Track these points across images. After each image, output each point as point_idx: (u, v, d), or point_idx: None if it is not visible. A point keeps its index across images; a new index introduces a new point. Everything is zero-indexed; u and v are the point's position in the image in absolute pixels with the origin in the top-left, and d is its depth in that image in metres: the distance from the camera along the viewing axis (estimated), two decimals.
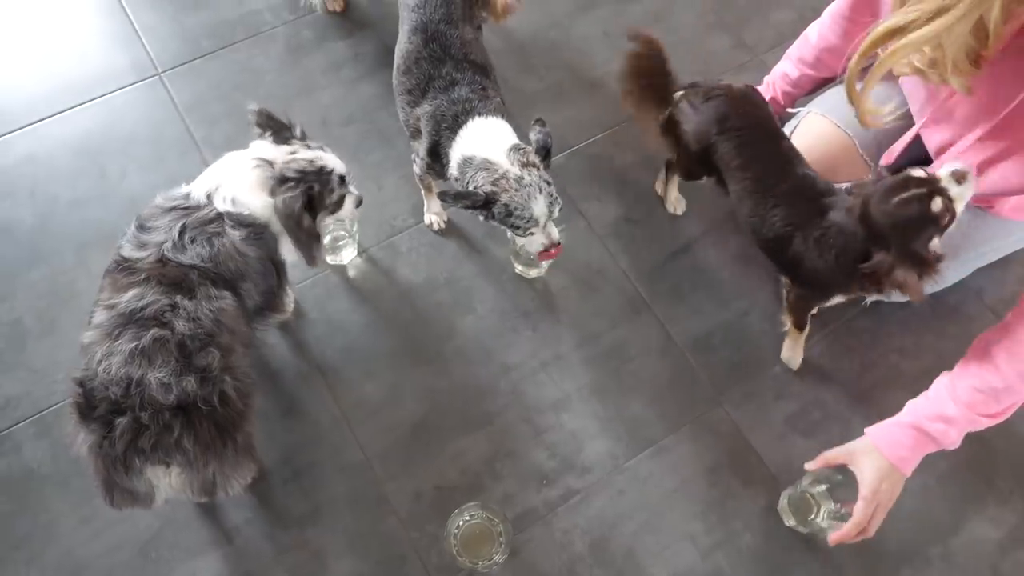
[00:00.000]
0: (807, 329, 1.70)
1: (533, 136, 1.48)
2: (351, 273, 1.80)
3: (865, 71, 1.34)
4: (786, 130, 1.80)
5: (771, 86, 1.91)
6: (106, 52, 2.04)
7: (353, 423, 1.64)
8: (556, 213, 1.46)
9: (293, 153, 1.37)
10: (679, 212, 1.91)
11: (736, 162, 1.57)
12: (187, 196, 1.33)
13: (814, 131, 1.76)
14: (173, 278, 1.25)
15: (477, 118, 1.48)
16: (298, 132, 1.43)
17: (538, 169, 1.44)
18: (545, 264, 1.77)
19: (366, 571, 1.51)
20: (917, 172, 1.36)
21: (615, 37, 2.12)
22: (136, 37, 2.06)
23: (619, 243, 1.87)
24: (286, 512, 1.55)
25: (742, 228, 1.65)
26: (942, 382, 1.43)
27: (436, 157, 1.55)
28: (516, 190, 1.40)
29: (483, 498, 1.56)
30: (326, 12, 2.12)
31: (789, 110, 1.87)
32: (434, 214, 1.84)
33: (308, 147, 1.41)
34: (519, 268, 1.80)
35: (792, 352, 1.74)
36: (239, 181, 1.34)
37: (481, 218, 1.46)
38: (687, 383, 1.73)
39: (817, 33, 1.76)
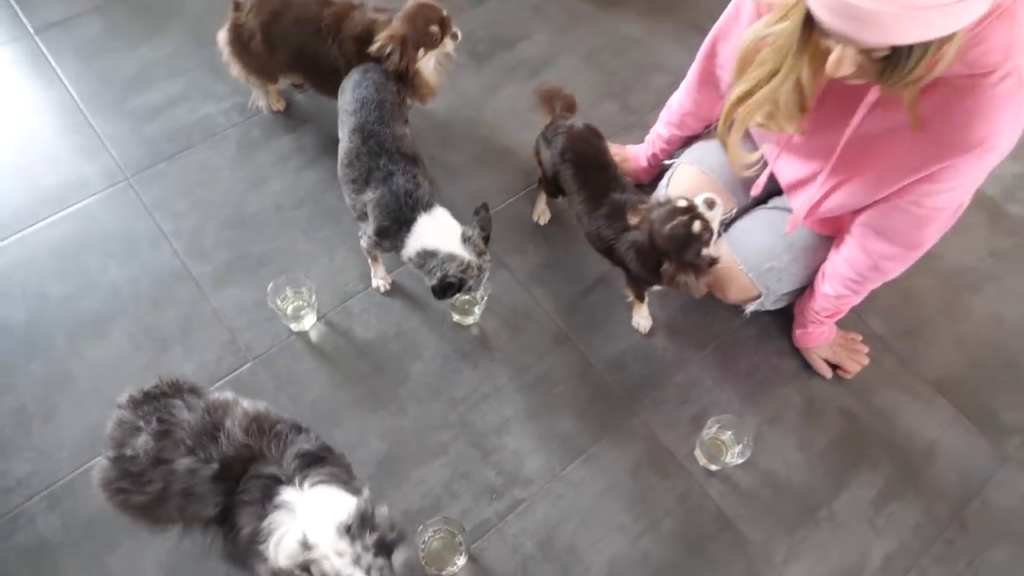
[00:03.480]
0: (646, 300, 2.02)
1: (477, 220, 1.78)
2: (313, 337, 2.01)
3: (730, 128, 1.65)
4: (664, 178, 2.11)
5: (651, 144, 2.22)
6: (78, 163, 2.22)
7: None
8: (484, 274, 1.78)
9: None
10: (542, 222, 2.21)
11: (574, 186, 1.91)
12: None
13: (685, 178, 2.05)
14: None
15: (423, 214, 1.74)
16: None
17: (486, 254, 1.74)
18: (478, 312, 2.02)
19: None
20: (681, 202, 1.69)
21: (520, 112, 2.40)
22: (103, 146, 2.26)
23: (539, 287, 2.12)
24: None
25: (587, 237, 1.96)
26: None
27: (383, 236, 1.80)
28: (475, 275, 1.72)
29: (444, 515, 1.77)
30: (271, 112, 2.35)
31: (666, 162, 2.17)
32: (380, 279, 2.07)
33: None
34: (456, 317, 2.04)
35: (640, 318, 2.05)
36: None
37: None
38: (606, 398, 1.98)
39: (677, 102, 2.09)
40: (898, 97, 1.38)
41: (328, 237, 2.15)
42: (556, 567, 1.76)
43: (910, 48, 1.18)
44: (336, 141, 1.98)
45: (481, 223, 1.78)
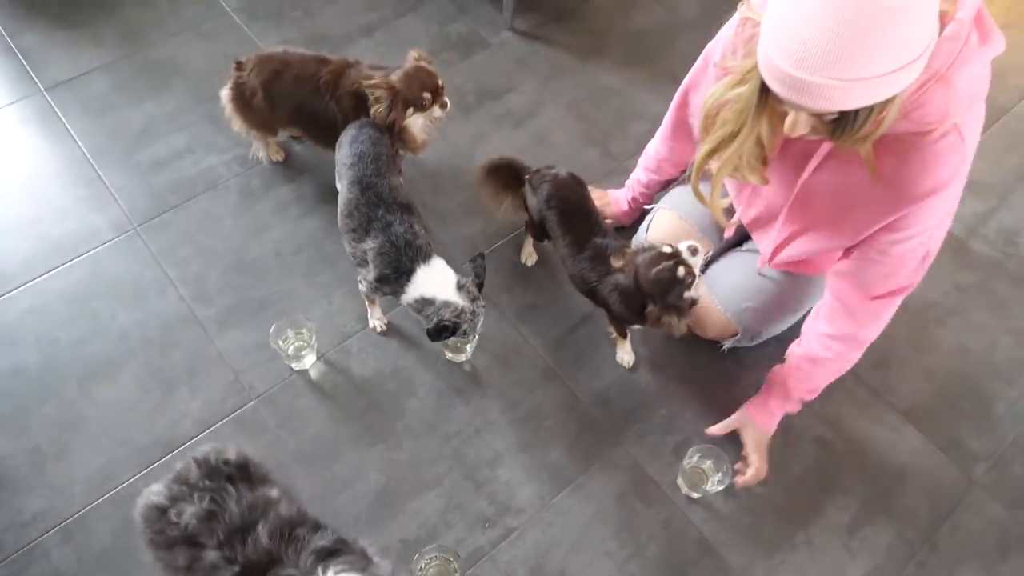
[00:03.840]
0: (628, 336, 2.12)
1: (472, 268, 1.91)
2: (313, 375, 2.11)
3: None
4: (644, 223, 2.23)
5: (631, 188, 2.35)
6: (88, 214, 2.33)
7: (328, 497, 1.92)
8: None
9: None
10: (530, 263, 2.33)
11: (558, 231, 2.03)
12: None
13: (663, 223, 2.17)
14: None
15: (422, 265, 1.86)
16: None
17: (479, 300, 1.85)
18: (470, 350, 2.12)
19: None
20: (666, 248, 1.80)
21: None
22: (112, 198, 2.37)
23: (527, 325, 2.23)
24: None
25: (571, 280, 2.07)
26: (776, 368, 1.96)
27: (384, 284, 1.91)
28: (470, 320, 1.83)
29: (439, 543, 1.85)
30: (271, 163, 2.47)
31: (646, 207, 2.30)
32: (376, 319, 2.17)
33: None
34: (449, 355, 2.15)
35: (623, 353, 2.16)
36: None
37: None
38: (592, 430, 2.07)
39: (654, 149, 2.22)
40: (854, 153, 1.51)
41: (327, 281, 2.26)
42: None
43: (856, 111, 1.31)
44: (333, 189, 2.11)
45: (476, 271, 1.90)
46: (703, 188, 1.74)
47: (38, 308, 2.16)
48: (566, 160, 2.23)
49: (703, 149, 1.68)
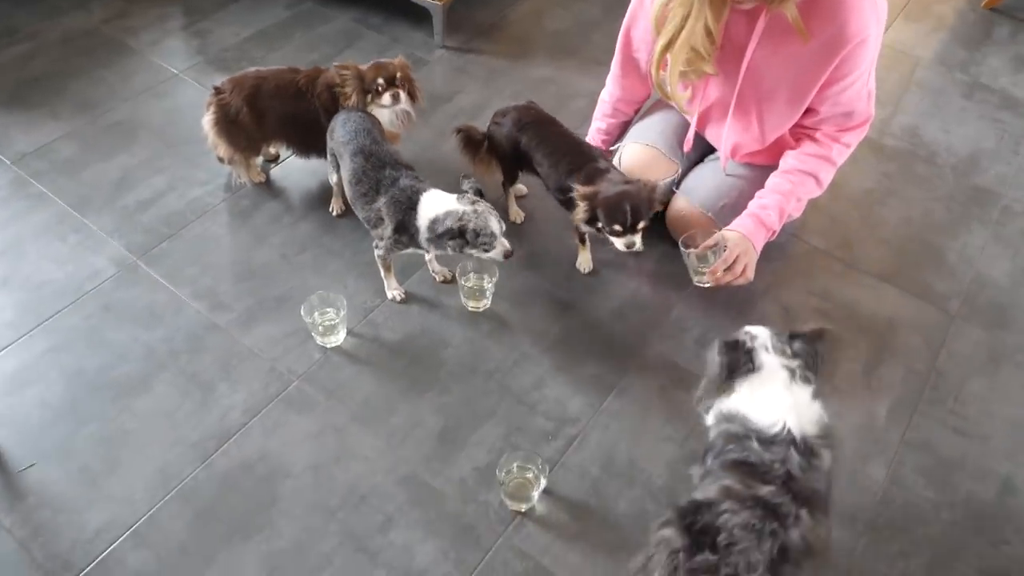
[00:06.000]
0: (588, 243, 2.28)
1: (467, 186, 1.99)
2: (347, 349, 2.14)
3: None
4: (615, 159, 2.43)
5: (593, 140, 2.54)
6: (84, 257, 2.30)
7: (393, 447, 1.93)
8: (504, 227, 1.94)
9: None
10: (519, 221, 2.47)
11: (534, 142, 2.21)
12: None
13: (632, 153, 2.36)
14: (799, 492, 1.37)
15: (425, 193, 1.96)
16: None
17: (480, 202, 1.92)
18: (488, 296, 2.21)
19: (447, 545, 1.77)
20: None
21: None
22: (106, 239, 2.36)
23: (535, 271, 2.33)
24: (363, 526, 1.79)
25: (550, 190, 2.24)
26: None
27: (402, 231, 1.99)
28: (475, 219, 1.88)
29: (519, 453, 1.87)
30: (253, 185, 2.54)
31: (611, 148, 2.51)
32: (394, 289, 2.23)
33: None
34: (470, 305, 2.22)
35: (583, 260, 2.32)
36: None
37: (459, 250, 1.92)
38: (619, 343, 2.17)
39: (608, 93, 2.44)
40: (786, 24, 1.78)
41: (337, 270, 2.32)
42: (623, 480, 1.89)
43: None
44: (321, 196, 2.29)
45: (471, 186, 2.00)
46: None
47: (54, 347, 2.10)
48: None
49: (659, 43, 1.92)
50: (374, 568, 1.73)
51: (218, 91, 2.32)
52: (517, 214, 2.47)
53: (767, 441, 1.43)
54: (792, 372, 1.51)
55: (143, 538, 1.76)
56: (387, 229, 2.02)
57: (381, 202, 2.00)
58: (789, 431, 1.43)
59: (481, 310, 2.23)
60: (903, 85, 3.09)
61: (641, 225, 2.01)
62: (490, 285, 2.18)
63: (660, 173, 2.33)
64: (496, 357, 2.13)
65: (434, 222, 1.92)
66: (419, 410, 2.00)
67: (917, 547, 1.81)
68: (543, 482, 1.79)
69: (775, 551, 1.30)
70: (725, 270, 2.04)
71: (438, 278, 2.28)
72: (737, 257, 2.04)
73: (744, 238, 2.07)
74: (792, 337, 1.57)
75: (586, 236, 2.27)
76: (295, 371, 2.07)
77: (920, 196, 2.64)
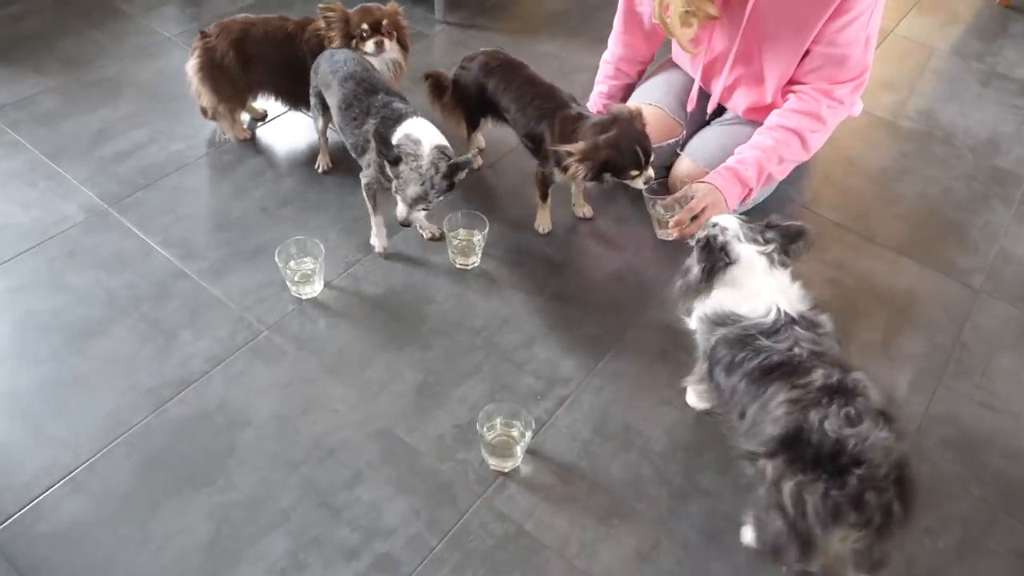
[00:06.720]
0: (548, 201, 2.12)
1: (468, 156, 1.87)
2: (323, 300, 1.97)
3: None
4: None
5: (594, 103, 2.41)
6: (53, 202, 2.16)
7: (367, 400, 1.75)
8: (426, 206, 1.80)
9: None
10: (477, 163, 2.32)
11: (502, 87, 2.08)
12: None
13: None
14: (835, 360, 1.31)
15: (414, 118, 1.82)
16: None
17: (437, 174, 1.74)
18: (478, 252, 2.05)
19: (419, 504, 1.58)
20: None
21: None
22: (78, 188, 2.22)
23: (525, 231, 2.17)
24: (327, 481, 1.61)
25: (519, 136, 2.11)
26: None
27: (383, 144, 1.77)
28: (412, 165, 1.74)
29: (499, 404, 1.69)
30: (238, 141, 2.41)
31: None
32: (379, 238, 2.07)
33: None
34: (459, 262, 2.06)
35: (542, 220, 2.15)
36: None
37: (380, 163, 1.81)
38: (616, 306, 2.00)
39: (610, 54, 2.32)
40: None
41: (320, 224, 2.16)
42: (617, 443, 1.71)
43: None
44: (307, 156, 2.22)
45: (468, 159, 1.83)
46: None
47: (12, 287, 1.95)
48: None
49: None
50: (336, 525, 1.54)
51: (204, 35, 2.20)
52: (478, 155, 2.35)
53: (771, 332, 1.36)
54: (770, 257, 1.47)
55: (82, 484, 1.57)
56: (372, 153, 1.87)
57: (369, 124, 1.86)
58: (785, 313, 1.38)
59: (470, 267, 2.07)
60: (918, 71, 2.96)
61: (652, 157, 1.86)
62: (480, 240, 2.02)
63: (664, 134, 2.19)
64: (483, 314, 1.96)
65: (405, 137, 1.77)
66: (397, 364, 1.83)
67: (946, 524, 1.61)
68: (528, 438, 1.61)
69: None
70: (692, 220, 1.88)
71: (426, 235, 2.13)
72: (704, 208, 1.90)
73: (715, 190, 1.94)
74: (768, 227, 1.52)
75: (548, 193, 2.11)
76: (265, 321, 1.90)
77: (939, 175, 2.49)
